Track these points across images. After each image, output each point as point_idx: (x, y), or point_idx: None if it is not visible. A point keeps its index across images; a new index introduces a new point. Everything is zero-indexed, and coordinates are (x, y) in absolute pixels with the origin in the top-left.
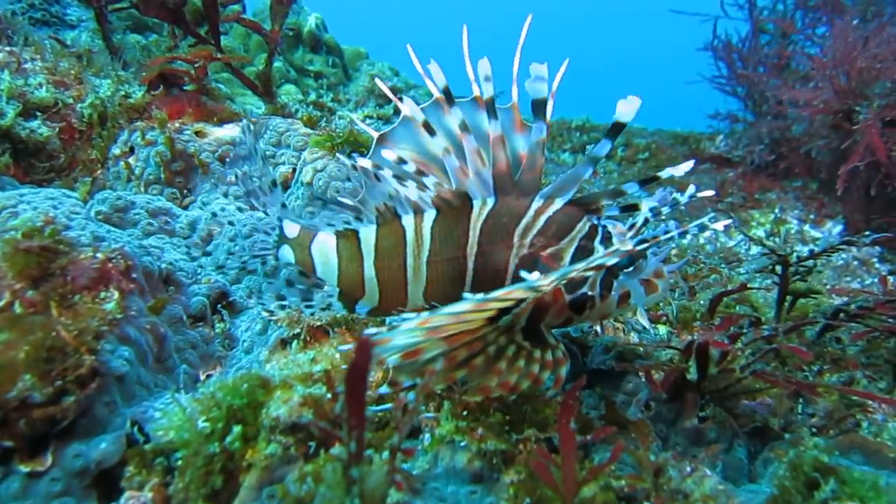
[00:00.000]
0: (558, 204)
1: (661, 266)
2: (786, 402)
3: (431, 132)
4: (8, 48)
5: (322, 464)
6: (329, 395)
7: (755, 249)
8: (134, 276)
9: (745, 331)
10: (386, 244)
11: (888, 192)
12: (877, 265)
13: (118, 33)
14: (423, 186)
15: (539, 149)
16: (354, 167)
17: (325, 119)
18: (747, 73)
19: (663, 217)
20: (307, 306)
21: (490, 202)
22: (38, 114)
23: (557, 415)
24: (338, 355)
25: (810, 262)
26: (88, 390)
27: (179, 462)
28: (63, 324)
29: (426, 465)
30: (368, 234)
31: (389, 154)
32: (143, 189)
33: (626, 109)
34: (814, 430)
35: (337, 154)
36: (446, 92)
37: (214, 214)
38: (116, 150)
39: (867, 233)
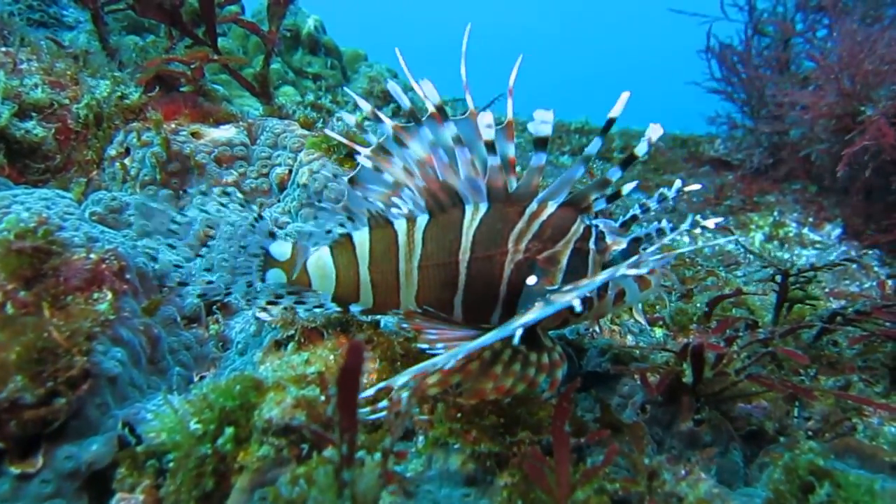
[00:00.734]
0: (552, 207)
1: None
2: (782, 406)
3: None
4: (4, 49)
5: (314, 466)
6: (322, 398)
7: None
8: (127, 276)
9: (741, 334)
10: (379, 248)
11: (887, 193)
12: (876, 269)
13: (115, 34)
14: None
15: (536, 172)
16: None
17: (321, 120)
18: (748, 72)
19: (653, 213)
20: (299, 303)
21: (483, 208)
22: (34, 114)
23: (552, 417)
24: (332, 357)
25: (810, 274)
26: (80, 392)
27: (171, 464)
28: (55, 325)
29: (419, 467)
30: (363, 237)
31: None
32: (138, 190)
33: (619, 107)
34: (809, 433)
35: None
36: (440, 108)
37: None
38: (112, 151)
39: (868, 251)
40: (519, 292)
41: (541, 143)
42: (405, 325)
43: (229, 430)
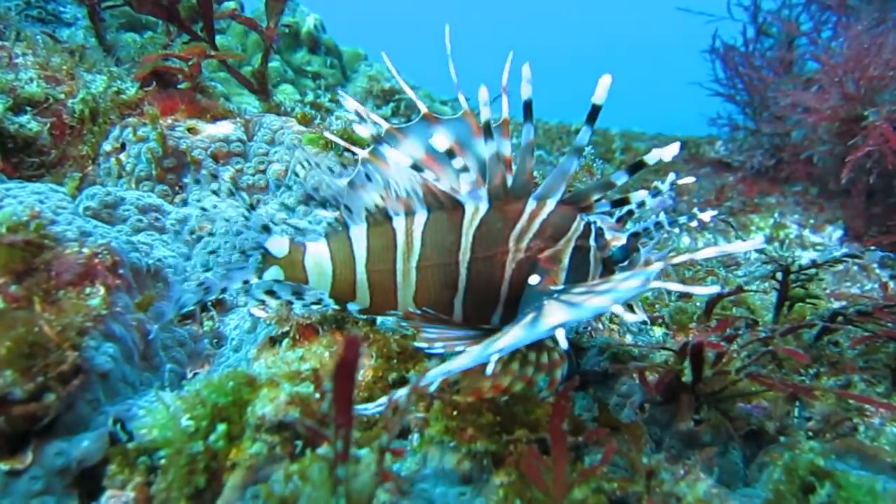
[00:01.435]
0: (551, 205)
1: (650, 257)
2: (782, 406)
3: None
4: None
5: (308, 463)
6: (317, 395)
7: (754, 253)
8: (121, 271)
9: (741, 333)
10: (376, 245)
11: (889, 195)
12: (877, 270)
13: (112, 31)
14: (422, 178)
15: (528, 151)
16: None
17: (320, 117)
18: (749, 72)
19: (650, 209)
20: (297, 298)
21: (483, 208)
22: (29, 108)
23: (549, 416)
24: (327, 354)
25: (812, 271)
26: (71, 387)
27: (162, 461)
28: (46, 319)
29: (415, 465)
30: (359, 233)
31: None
32: (134, 185)
33: (600, 92)
34: (810, 433)
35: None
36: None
37: (205, 210)
38: (107, 147)
39: (872, 248)
40: (520, 292)
41: (527, 110)
42: (404, 324)
43: (222, 427)
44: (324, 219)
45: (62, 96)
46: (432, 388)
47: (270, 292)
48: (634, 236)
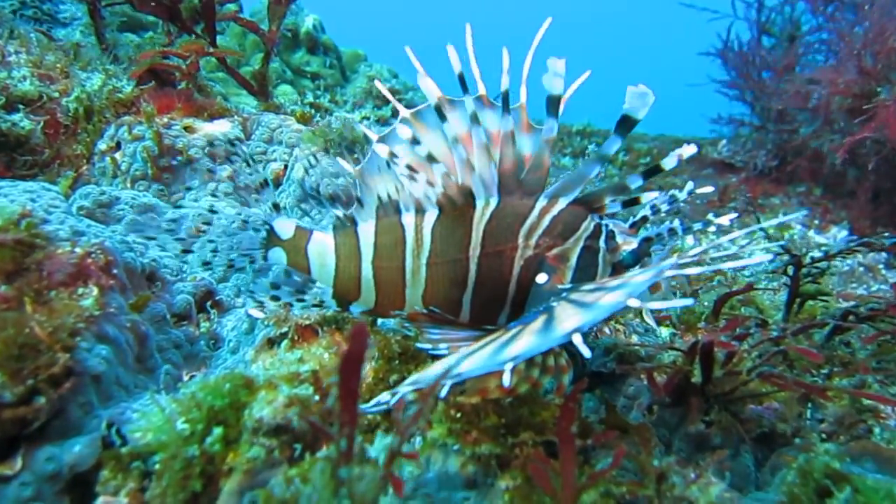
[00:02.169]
0: (563, 203)
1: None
2: (794, 407)
3: (443, 118)
4: None
5: (309, 466)
6: (316, 397)
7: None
8: (114, 271)
9: (751, 332)
10: (385, 242)
11: (895, 195)
12: (883, 271)
13: (111, 30)
14: (432, 176)
15: (547, 148)
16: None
17: (319, 115)
18: (756, 70)
19: (663, 214)
20: (299, 300)
21: (493, 202)
22: (21, 107)
23: (557, 418)
24: (326, 355)
25: (823, 264)
26: (62, 390)
27: (157, 465)
28: (37, 320)
29: (417, 469)
30: (367, 228)
31: (405, 131)
32: (129, 185)
33: (637, 104)
34: (823, 436)
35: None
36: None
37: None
38: (102, 146)
39: (886, 234)
40: (528, 291)
41: (553, 106)
42: (407, 325)
43: (218, 431)
44: (336, 216)
45: (56, 95)
46: (443, 394)
47: (274, 298)
48: (647, 241)
